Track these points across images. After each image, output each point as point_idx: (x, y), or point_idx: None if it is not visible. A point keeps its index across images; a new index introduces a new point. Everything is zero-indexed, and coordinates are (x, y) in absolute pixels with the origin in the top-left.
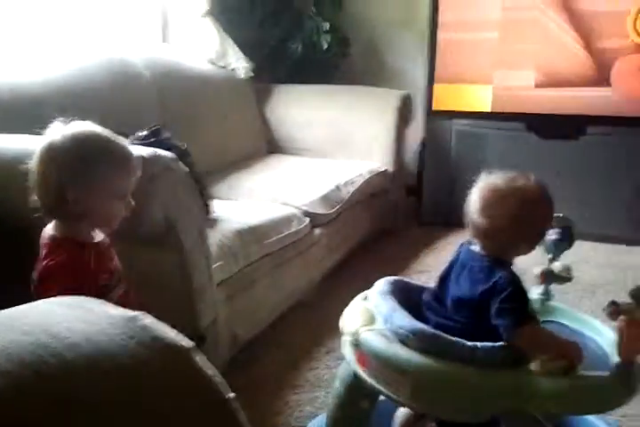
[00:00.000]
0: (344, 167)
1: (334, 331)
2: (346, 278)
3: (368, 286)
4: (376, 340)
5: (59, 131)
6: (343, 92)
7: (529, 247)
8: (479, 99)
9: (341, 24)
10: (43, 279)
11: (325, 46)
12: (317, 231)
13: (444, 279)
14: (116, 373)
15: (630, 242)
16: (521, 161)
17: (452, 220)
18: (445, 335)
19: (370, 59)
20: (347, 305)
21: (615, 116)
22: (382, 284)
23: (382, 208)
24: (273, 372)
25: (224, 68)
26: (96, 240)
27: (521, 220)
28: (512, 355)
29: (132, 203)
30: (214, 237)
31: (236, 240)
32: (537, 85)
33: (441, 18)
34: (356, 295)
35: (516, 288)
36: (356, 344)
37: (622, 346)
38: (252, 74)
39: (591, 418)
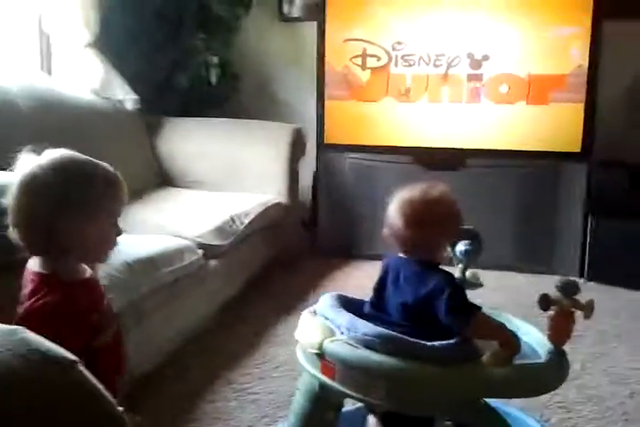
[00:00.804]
0: (238, 200)
1: (233, 363)
2: (244, 310)
3: (265, 316)
4: (343, 349)
5: (34, 162)
6: (236, 126)
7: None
8: (370, 133)
9: (231, 59)
10: (30, 320)
11: (215, 80)
12: (212, 263)
13: (380, 290)
14: None
15: (515, 269)
16: None
17: (348, 251)
18: (407, 337)
19: (261, 94)
20: (245, 336)
21: (493, 149)
22: (329, 299)
23: (278, 240)
24: (170, 406)
25: (109, 99)
26: (86, 276)
27: (443, 226)
28: (466, 350)
29: (122, 231)
30: (102, 270)
31: (126, 272)
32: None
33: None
34: (254, 326)
35: (454, 286)
36: (322, 356)
37: (553, 333)
38: (140, 106)
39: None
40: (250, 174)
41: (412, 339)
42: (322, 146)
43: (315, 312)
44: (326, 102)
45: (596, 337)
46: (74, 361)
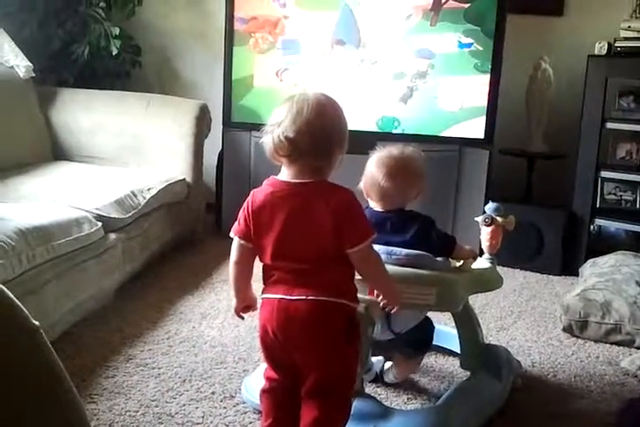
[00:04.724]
0: (139, 175)
1: (134, 339)
2: (145, 287)
3: (167, 294)
4: (396, 269)
5: (313, 93)
6: (137, 99)
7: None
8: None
9: (133, 31)
10: (352, 205)
11: (115, 52)
12: (112, 236)
13: None
14: None
15: None
16: None
17: None
18: (432, 256)
19: (163, 69)
20: (146, 312)
21: (400, 133)
22: None
23: (182, 218)
24: None
25: (0, 64)
26: None
27: (418, 178)
28: (449, 264)
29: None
30: None
31: (20, 240)
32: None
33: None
34: (156, 303)
35: (434, 224)
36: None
37: (490, 245)
38: (33, 74)
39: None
40: (152, 151)
41: (435, 258)
42: (228, 124)
43: None
44: (233, 80)
45: (496, 313)
46: None
